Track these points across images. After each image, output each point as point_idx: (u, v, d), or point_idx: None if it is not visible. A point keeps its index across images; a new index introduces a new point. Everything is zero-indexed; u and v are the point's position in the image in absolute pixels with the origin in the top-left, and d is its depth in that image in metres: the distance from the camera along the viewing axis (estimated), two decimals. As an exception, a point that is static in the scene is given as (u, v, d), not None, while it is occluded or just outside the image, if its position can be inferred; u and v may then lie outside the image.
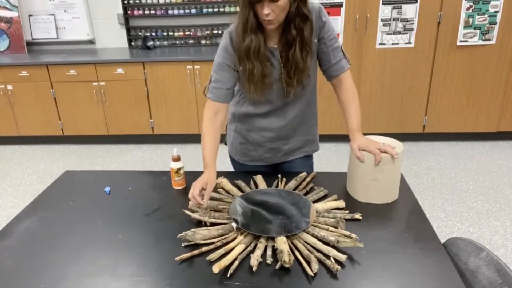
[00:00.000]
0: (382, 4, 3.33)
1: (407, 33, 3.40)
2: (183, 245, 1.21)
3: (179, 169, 1.53)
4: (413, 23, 3.37)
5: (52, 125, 3.99)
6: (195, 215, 1.31)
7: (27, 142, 4.18)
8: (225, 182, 1.50)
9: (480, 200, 2.88)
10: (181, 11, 4.03)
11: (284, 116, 1.55)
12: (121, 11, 4.08)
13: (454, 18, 3.33)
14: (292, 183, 1.49)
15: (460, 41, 3.40)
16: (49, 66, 3.75)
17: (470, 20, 3.33)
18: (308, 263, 1.10)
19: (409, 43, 3.44)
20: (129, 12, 4.10)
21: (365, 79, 3.59)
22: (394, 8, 3.34)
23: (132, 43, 4.24)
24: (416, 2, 3.30)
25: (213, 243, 1.20)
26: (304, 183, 1.52)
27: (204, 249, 1.17)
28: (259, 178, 1.55)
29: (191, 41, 4.19)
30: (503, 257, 2.30)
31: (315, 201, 1.40)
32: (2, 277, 1.13)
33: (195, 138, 3.98)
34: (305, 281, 1.06)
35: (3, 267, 1.17)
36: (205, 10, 4.00)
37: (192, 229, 1.23)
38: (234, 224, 1.25)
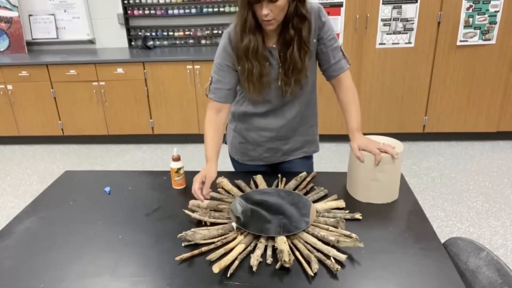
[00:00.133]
0: (382, 4, 3.33)
1: (407, 33, 3.40)
2: (183, 245, 1.21)
3: (179, 169, 1.53)
4: (413, 23, 3.37)
5: (52, 125, 3.99)
6: (195, 215, 1.31)
7: (27, 142, 4.18)
8: (225, 182, 1.50)
9: (480, 200, 2.88)
10: (181, 11, 4.03)
11: (283, 116, 1.55)
12: (121, 11, 4.08)
13: (454, 18, 3.33)
14: (292, 183, 1.49)
15: (460, 41, 3.40)
16: (49, 66, 3.75)
17: (470, 20, 3.33)
18: (308, 263, 1.10)
19: (409, 43, 3.44)
20: (129, 12, 4.10)
21: (365, 79, 3.59)
22: (394, 8, 3.34)
23: (132, 43, 4.24)
24: (416, 2, 3.30)
25: (213, 243, 1.20)
26: (304, 183, 1.52)
27: (204, 249, 1.17)
28: (259, 178, 1.55)
29: (191, 41, 4.19)
30: (503, 257, 2.30)
31: (315, 201, 1.40)
32: (2, 277, 1.13)
33: (195, 138, 3.99)
34: (305, 281, 1.06)
35: (3, 267, 1.17)
36: (205, 10, 4.00)
37: (192, 229, 1.23)
38: (234, 224, 1.25)
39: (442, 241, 1.22)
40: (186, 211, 1.35)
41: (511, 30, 3.34)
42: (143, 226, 1.33)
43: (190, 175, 1.59)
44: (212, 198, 1.42)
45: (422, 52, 3.46)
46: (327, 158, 3.59)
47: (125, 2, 4.05)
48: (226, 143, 1.76)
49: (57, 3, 4.14)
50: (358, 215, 1.31)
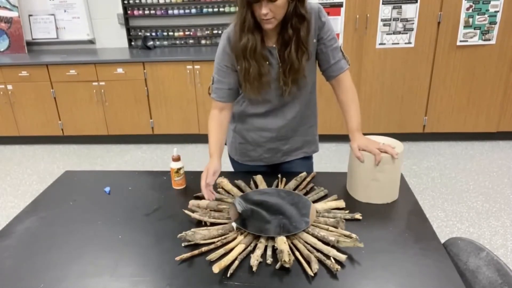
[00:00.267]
0: (382, 4, 3.33)
1: (407, 33, 3.41)
2: (183, 245, 1.21)
3: (179, 169, 1.53)
4: (413, 23, 3.37)
5: (52, 125, 3.99)
6: (195, 215, 1.31)
7: (27, 142, 4.18)
8: (225, 182, 1.50)
9: (480, 200, 2.88)
10: (181, 11, 4.03)
11: (283, 116, 1.55)
12: (121, 11, 4.08)
13: (454, 18, 3.33)
14: (292, 183, 1.49)
15: (460, 41, 3.40)
16: (49, 66, 3.75)
17: (470, 20, 3.33)
18: (308, 263, 1.10)
19: (409, 43, 3.44)
20: (129, 12, 4.10)
21: (365, 79, 3.59)
22: (394, 8, 3.34)
23: (132, 43, 4.24)
24: (416, 2, 3.30)
25: (213, 243, 1.20)
26: (304, 183, 1.52)
27: (204, 249, 1.17)
28: (259, 178, 1.55)
29: (191, 41, 4.19)
30: (503, 257, 2.30)
31: (315, 201, 1.40)
32: (2, 277, 1.13)
33: (195, 138, 3.99)
34: (305, 281, 1.06)
35: (3, 267, 1.17)
36: (205, 10, 4.00)
37: (192, 229, 1.23)
38: (234, 224, 1.25)
39: (442, 241, 1.22)
40: (186, 211, 1.35)
41: (511, 30, 3.34)
42: (143, 226, 1.33)
43: (190, 175, 1.60)
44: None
45: (422, 52, 3.46)
46: (327, 158, 3.59)
47: (125, 2, 4.05)
48: (226, 144, 1.76)
49: (57, 3, 4.14)
50: (358, 215, 1.31)
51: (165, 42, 4.21)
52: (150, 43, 4.10)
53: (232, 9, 3.97)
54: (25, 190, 3.29)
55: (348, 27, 3.42)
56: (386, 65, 3.53)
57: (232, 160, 1.74)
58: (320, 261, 1.11)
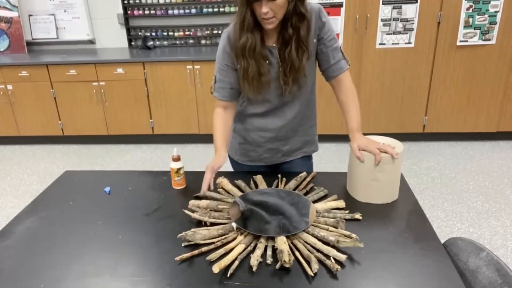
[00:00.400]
0: (382, 4, 3.33)
1: (407, 33, 3.41)
2: (183, 245, 1.21)
3: (179, 169, 1.53)
4: (413, 23, 3.37)
5: (52, 125, 3.99)
6: (195, 215, 1.31)
7: (27, 142, 4.18)
8: (225, 182, 1.50)
9: (480, 200, 2.88)
10: (181, 11, 4.03)
11: (283, 116, 1.55)
12: (121, 11, 4.08)
13: (454, 18, 3.33)
14: (292, 183, 1.49)
15: (460, 41, 3.40)
16: (49, 66, 3.75)
17: (470, 20, 3.33)
18: (308, 263, 1.10)
19: (409, 43, 3.44)
20: (129, 12, 4.10)
21: (365, 79, 3.59)
22: (394, 8, 3.34)
23: (132, 43, 4.24)
24: (416, 2, 3.30)
25: (213, 243, 1.20)
26: (304, 183, 1.52)
27: (204, 249, 1.17)
28: (259, 178, 1.55)
29: (191, 41, 4.19)
30: (503, 257, 2.30)
31: (315, 201, 1.40)
32: (2, 277, 1.13)
33: (195, 138, 3.99)
34: (305, 281, 1.06)
35: (3, 267, 1.17)
36: (205, 10, 4.00)
37: (192, 229, 1.23)
38: (234, 224, 1.25)
39: (442, 241, 1.22)
40: (186, 211, 1.35)
41: (511, 30, 3.34)
42: (143, 226, 1.33)
43: (190, 175, 1.60)
44: (212, 198, 1.42)
45: (422, 52, 3.46)
46: (327, 158, 3.59)
47: (125, 2, 4.05)
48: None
49: (57, 3, 4.14)
50: (358, 215, 1.31)
51: (165, 42, 4.21)
52: (150, 43, 4.10)
53: (232, 9, 3.97)
54: (25, 190, 3.29)
55: (348, 27, 3.42)
56: (386, 65, 3.53)
57: (232, 161, 1.74)
58: (320, 261, 1.11)
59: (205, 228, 1.26)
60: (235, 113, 1.59)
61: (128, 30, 4.18)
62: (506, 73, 3.48)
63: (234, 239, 1.22)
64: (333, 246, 1.15)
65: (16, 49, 4.19)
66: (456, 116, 3.67)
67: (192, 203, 1.39)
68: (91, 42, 4.28)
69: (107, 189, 1.56)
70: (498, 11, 3.29)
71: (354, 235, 1.16)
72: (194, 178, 1.60)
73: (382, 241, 1.20)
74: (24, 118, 3.98)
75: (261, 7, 1.27)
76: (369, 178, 1.37)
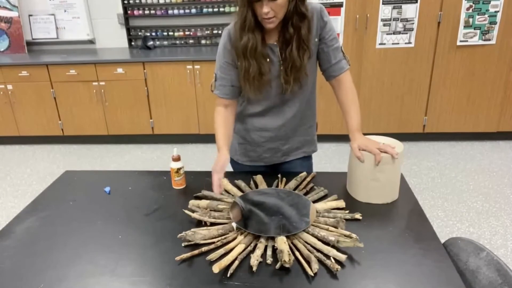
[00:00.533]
0: (382, 4, 3.33)
1: (407, 33, 3.40)
2: (183, 245, 1.21)
3: (179, 169, 1.53)
4: (413, 23, 3.37)
5: (52, 125, 3.99)
6: (195, 215, 1.31)
7: (27, 142, 4.18)
8: (225, 182, 1.49)
9: (480, 200, 2.88)
10: (181, 11, 4.03)
11: (283, 115, 1.56)
12: (121, 11, 4.08)
13: (454, 18, 3.33)
14: (292, 183, 1.49)
15: (460, 41, 3.40)
16: (49, 66, 3.75)
17: (470, 20, 3.33)
18: (308, 263, 1.10)
19: (409, 43, 3.44)
20: (129, 12, 4.10)
21: (365, 79, 3.59)
22: (394, 8, 3.34)
23: (132, 43, 4.24)
24: (416, 2, 3.30)
25: (213, 243, 1.20)
26: (304, 183, 1.52)
27: (204, 249, 1.17)
28: (259, 178, 1.55)
29: (191, 41, 4.19)
30: (503, 257, 2.30)
31: (315, 201, 1.40)
32: (2, 277, 1.13)
33: (195, 138, 3.99)
34: (305, 281, 1.06)
35: (3, 267, 1.17)
36: (205, 10, 4.00)
37: (192, 229, 1.23)
38: (234, 224, 1.25)
39: (442, 241, 1.22)
40: (186, 211, 1.35)
41: (511, 30, 3.34)
42: (143, 226, 1.33)
43: (190, 175, 1.60)
44: (212, 198, 1.42)
45: (422, 52, 3.46)
46: (327, 158, 3.59)
47: (125, 2, 4.05)
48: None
49: (57, 3, 4.14)
50: (358, 215, 1.31)
51: (165, 42, 4.21)
52: (150, 43, 4.10)
53: (232, 9, 3.97)
54: (25, 190, 3.29)
55: (348, 27, 3.42)
56: (386, 65, 3.53)
57: (232, 161, 1.74)
58: (320, 261, 1.11)
59: (205, 228, 1.26)
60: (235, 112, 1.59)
61: (128, 30, 4.18)
62: (506, 73, 3.48)
63: (234, 239, 1.22)
64: (333, 246, 1.15)
65: (16, 49, 4.19)
66: (456, 116, 3.67)
67: (192, 203, 1.39)
68: (91, 42, 4.28)
69: (107, 189, 1.56)
70: (498, 11, 3.29)
71: (354, 235, 1.16)
72: (194, 178, 1.60)
73: (382, 241, 1.20)
74: (24, 118, 3.98)
75: (262, 7, 1.27)
76: (369, 178, 1.37)
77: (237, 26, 1.36)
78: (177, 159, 1.53)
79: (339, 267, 1.08)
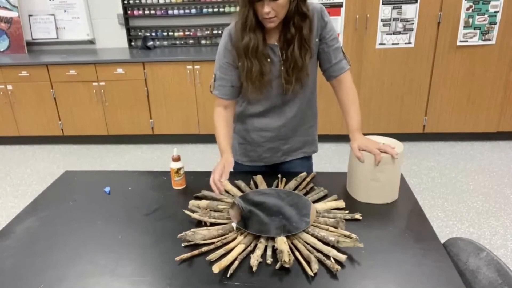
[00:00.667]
0: (382, 4, 3.33)
1: (407, 33, 3.41)
2: (183, 245, 1.21)
3: (179, 169, 1.53)
4: (413, 23, 3.37)
5: (52, 125, 3.99)
6: (195, 215, 1.31)
7: (27, 142, 4.18)
8: (225, 182, 1.49)
9: (480, 200, 2.87)
10: (181, 11, 4.03)
11: (283, 115, 1.56)
12: (121, 11, 4.08)
13: (454, 18, 3.33)
14: (292, 183, 1.49)
15: (460, 41, 3.40)
16: (49, 66, 3.75)
17: (470, 20, 3.33)
18: (308, 263, 1.10)
19: (409, 43, 3.44)
20: (129, 12, 4.10)
21: (365, 79, 3.59)
22: (394, 8, 3.34)
23: (132, 43, 4.24)
24: (416, 2, 3.30)
25: (213, 243, 1.20)
26: (304, 183, 1.52)
27: (204, 249, 1.17)
28: (259, 178, 1.55)
29: (191, 41, 4.19)
30: (503, 257, 2.30)
31: (315, 201, 1.40)
32: (2, 277, 1.13)
33: (195, 138, 3.99)
34: (305, 281, 1.06)
35: (3, 267, 1.17)
36: (205, 10, 4.00)
37: (192, 229, 1.23)
38: (234, 224, 1.25)
39: (442, 241, 1.22)
40: (186, 211, 1.35)
41: (511, 30, 3.34)
42: (143, 226, 1.33)
43: (190, 175, 1.60)
44: (212, 198, 1.42)
45: (422, 52, 3.46)
46: (327, 158, 3.59)
47: (125, 2, 4.05)
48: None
49: (57, 3, 4.14)
50: (358, 215, 1.31)
51: (165, 42, 4.21)
52: (150, 43, 4.10)
53: (232, 9, 3.98)
54: (25, 190, 3.29)
55: (348, 27, 3.43)
56: (386, 65, 3.53)
57: (232, 161, 1.74)
58: (320, 261, 1.11)
59: (205, 228, 1.26)
60: (235, 114, 1.59)
61: (128, 30, 4.18)
62: (506, 73, 3.48)
63: (234, 239, 1.22)
64: (333, 246, 1.15)
65: (16, 49, 4.19)
66: (456, 116, 3.67)
67: (192, 203, 1.39)
68: (91, 42, 4.28)
69: (107, 189, 1.56)
70: (498, 11, 3.29)
71: (354, 235, 1.16)
72: (194, 178, 1.60)
73: (382, 241, 1.20)
74: (24, 118, 3.98)
75: (263, 7, 1.27)
76: (369, 178, 1.37)
77: (238, 26, 1.36)
78: (177, 159, 1.53)
79: (339, 267, 1.08)
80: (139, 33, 4.18)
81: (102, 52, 4.12)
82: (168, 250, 1.20)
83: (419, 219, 1.32)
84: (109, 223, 1.36)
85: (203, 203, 1.38)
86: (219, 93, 1.50)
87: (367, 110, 3.68)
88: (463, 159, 3.49)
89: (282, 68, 1.43)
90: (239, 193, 1.45)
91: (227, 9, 3.99)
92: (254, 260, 1.10)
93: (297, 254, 1.14)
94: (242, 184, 1.51)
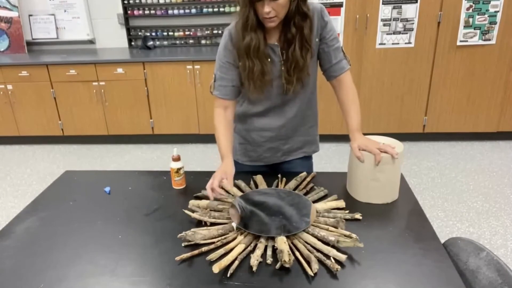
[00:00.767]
0: (382, 4, 3.33)
1: (407, 33, 3.40)
2: (183, 245, 1.21)
3: (179, 169, 1.53)
4: (413, 23, 3.37)
5: (52, 125, 3.99)
6: (195, 215, 1.31)
7: (27, 142, 4.18)
8: (225, 182, 1.49)
9: (480, 200, 2.87)
10: (181, 11, 4.03)
11: (283, 115, 1.55)
12: (121, 11, 4.08)
13: (454, 18, 3.33)
14: (292, 183, 1.49)
15: (460, 41, 3.40)
16: (49, 66, 3.75)
17: (470, 20, 3.33)
18: (308, 263, 1.10)
19: (409, 43, 3.44)
20: (129, 12, 4.10)
21: (365, 79, 3.59)
22: (394, 8, 3.34)
23: (132, 43, 4.24)
24: (416, 2, 3.30)
25: (213, 243, 1.20)
26: (304, 183, 1.52)
27: (204, 249, 1.17)
28: (259, 178, 1.55)
29: (191, 41, 4.19)
30: (503, 257, 2.30)
31: (315, 201, 1.40)
32: (2, 277, 1.13)
33: (195, 138, 3.99)
34: (305, 281, 1.06)
35: (3, 267, 1.17)
36: (205, 10, 4.00)
37: (192, 229, 1.23)
38: (234, 224, 1.25)
39: (442, 241, 1.22)
40: (186, 211, 1.35)
41: (511, 30, 3.34)
42: (143, 226, 1.33)
43: (190, 175, 1.60)
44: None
45: (422, 52, 3.46)
46: (327, 158, 3.59)
47: (125, 2, 4.05)
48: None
49: (57, 3, 4.14)
50: (358, 215, 1.31)
51: (165, 42, 4.21)
52: (150, 43, 4.10)
53: (232, 9, 3.97)
54: (25, 190, 3.29)
55: (348, 27, 3.42)
56: (386, 65, 3.53)
57: (232, 160, 1.74)
58: (320, 261, 1.11)
59: (205, 228, 1.26)
60: (235, 114, 1.59)
61: (128, 30, 4.18)
62: (506, 73, 3.48)
63: (234, 239, 1.22)
64: (333, 246, 1.15)
65: (16, 49, 4.19)
66: (456, 116, 3.67)
67: (192, 203, 1.39)
68: (91, 42, 4.28)
69: (107, 189, 1.56)
70: (498, 11, 3.29)
71: (354, 235, 1.16)
72: (194, 178, 1.60)
73: (382, 241, 1.20)
74: (24, 118, 3.98)
75: (263, 7, 1.27)
76: (369, 178, 1.37)
77: (239, 25, 1.36)
78: (177, 159, 1.53)
79: (339, 267, 1.08)
80: (139, 33, 4.18)
81: (102, 52, 4.12)
82: (168, 250, 1.20)
83: (419, 219, 1.32)
84: (109, 223, 1.36)
85: (203, 203, 1.38)
86: (220, 94, 1.50)
87: (367, 110, 3.68)
88: (463, 159, 3.49)
89: (283, 68, 1.43)
90: (239, 193, 1.45)
91: (227, 9, 3.99)
92: (254, 260, 1.10)
93: (297, 254, 1.14)
94: (242, 184, 1.51)
